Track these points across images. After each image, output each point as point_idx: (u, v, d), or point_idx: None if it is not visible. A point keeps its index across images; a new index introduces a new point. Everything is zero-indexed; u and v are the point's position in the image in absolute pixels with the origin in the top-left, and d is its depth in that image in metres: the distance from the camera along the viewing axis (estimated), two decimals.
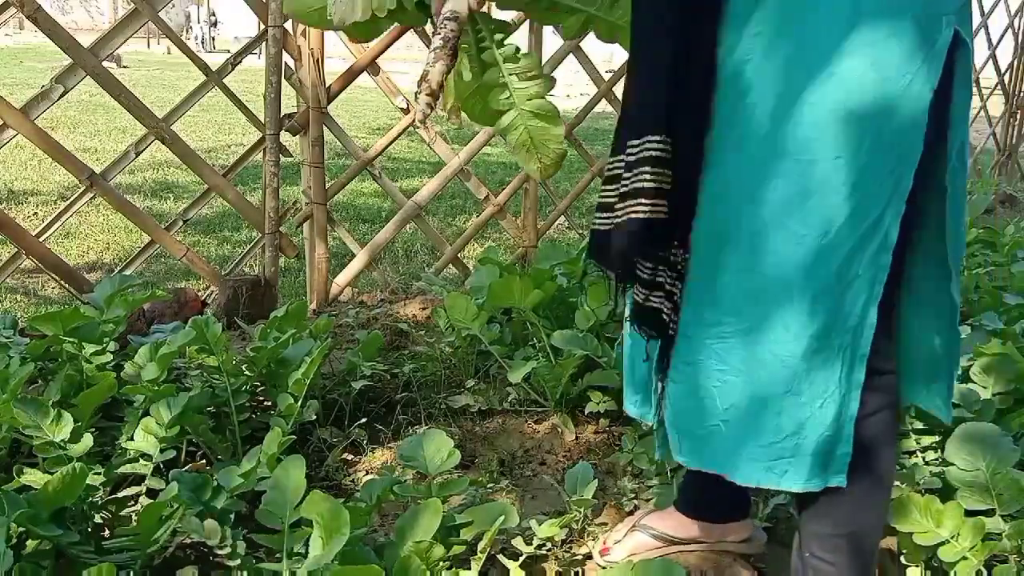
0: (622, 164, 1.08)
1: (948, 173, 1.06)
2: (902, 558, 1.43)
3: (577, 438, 1.92)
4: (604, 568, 1.44)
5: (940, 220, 1.09)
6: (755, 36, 1.00)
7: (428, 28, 1.30)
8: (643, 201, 1.04)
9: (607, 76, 3.27)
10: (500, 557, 1.41)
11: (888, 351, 1.13)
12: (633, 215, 1.05)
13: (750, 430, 1.09)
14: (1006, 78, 5.77)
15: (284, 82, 2.53)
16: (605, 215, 1.12)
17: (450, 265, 3.09)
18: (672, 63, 1.02)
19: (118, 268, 2.56)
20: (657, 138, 1.03)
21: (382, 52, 2.71)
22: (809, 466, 1.08)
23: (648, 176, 1.04)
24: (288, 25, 2.51)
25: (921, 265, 1.12)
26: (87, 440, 1.47)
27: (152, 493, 1.48)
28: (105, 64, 2.30)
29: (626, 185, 1.06)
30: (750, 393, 1.08)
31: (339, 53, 4.22)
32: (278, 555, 1.26)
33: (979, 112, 5.57)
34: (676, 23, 1.02)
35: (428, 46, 1.12)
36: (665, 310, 1.12)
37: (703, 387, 1.12)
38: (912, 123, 0.99)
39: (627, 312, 1.23)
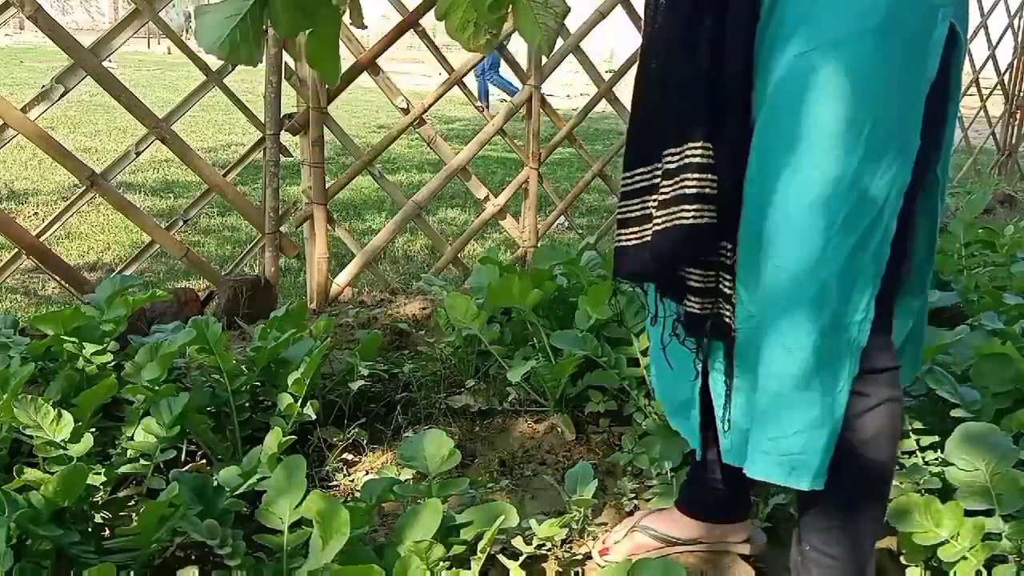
0: (653, 174, 1.10)
1: (940, 165, 1.11)
2: (902, 558, 1.43)
3: (577, 438, 1.91)
4: (603, 568, 1.43)
5: (932, 211, 1.14)
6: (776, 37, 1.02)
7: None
8: (686, 207, 1.05)
9: (607, 76, 3.27)
10: (500, 557, 1.40)
11: (889, 345, 1.14)
12: (679, 222, 1.06)
13: (764, 423, 1.10)
14: (1006, 78, 5.76)
15: (284, 82, 2.53)
16: (631, 230, 1.13)
17: (450, 265, 3.09)
18: (710, 74, 1.03)
19: (118, 268, 2.56)
20: (699, 144, 1.04)
21: (382, 52, 2.71)
22: (818, 464, 1.08)
23: (692, 182, 1.05)
24: None
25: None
26: (87, 440, 1.47)
27: (152, 493, 1.49)
28: (105, 64, 2.30)
29: (666, 193, 1.07)
30: (764, 386, 1.09)
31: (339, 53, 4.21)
32: (278, 555, 1.26)
33: (979, 112, 5.57)
34: (714, 34, 1.03)
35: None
36: (727, 315, 1.13)
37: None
38: (909, 114, 1.00)
39: (649, 326, 1.26)
